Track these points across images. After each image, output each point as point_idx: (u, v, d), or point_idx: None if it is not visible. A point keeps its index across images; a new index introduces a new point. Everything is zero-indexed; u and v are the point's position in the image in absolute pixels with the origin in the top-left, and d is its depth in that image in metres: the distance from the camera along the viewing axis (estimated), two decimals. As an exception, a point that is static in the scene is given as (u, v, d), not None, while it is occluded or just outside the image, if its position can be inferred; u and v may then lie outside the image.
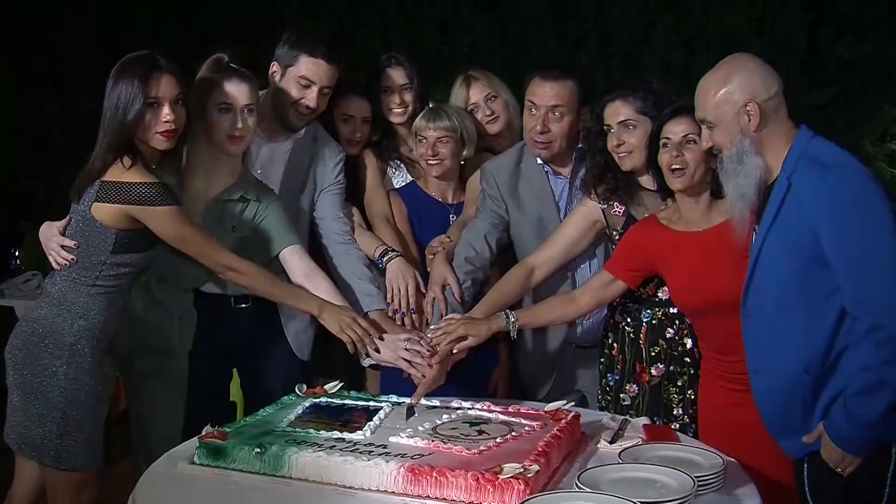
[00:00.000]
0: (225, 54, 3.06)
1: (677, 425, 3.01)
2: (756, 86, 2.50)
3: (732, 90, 2.51)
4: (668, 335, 3.05)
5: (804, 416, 2.49)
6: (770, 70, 2.56)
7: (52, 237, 2.82)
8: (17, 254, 5.55)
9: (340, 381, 2.99)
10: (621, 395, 3.14)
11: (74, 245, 2.77)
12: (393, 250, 3.35)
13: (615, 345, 3.17)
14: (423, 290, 3.26)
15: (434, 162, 3.46)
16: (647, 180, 3.07)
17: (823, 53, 6.48)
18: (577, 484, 2.15)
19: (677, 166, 2.80)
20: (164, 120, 2.76)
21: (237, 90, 2.98)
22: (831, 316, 2.41)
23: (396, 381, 3.08)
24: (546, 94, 3.22)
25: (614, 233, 3.14)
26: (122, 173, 2.71)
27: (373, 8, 6.84)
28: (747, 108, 2.49)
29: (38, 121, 6.72)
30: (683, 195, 2.87)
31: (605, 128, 3.06)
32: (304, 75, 3.24)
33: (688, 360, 3.03)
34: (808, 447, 2.51)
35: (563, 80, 3.23)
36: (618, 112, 3.02)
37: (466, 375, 3.16)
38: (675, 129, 2.82)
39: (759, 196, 2.53)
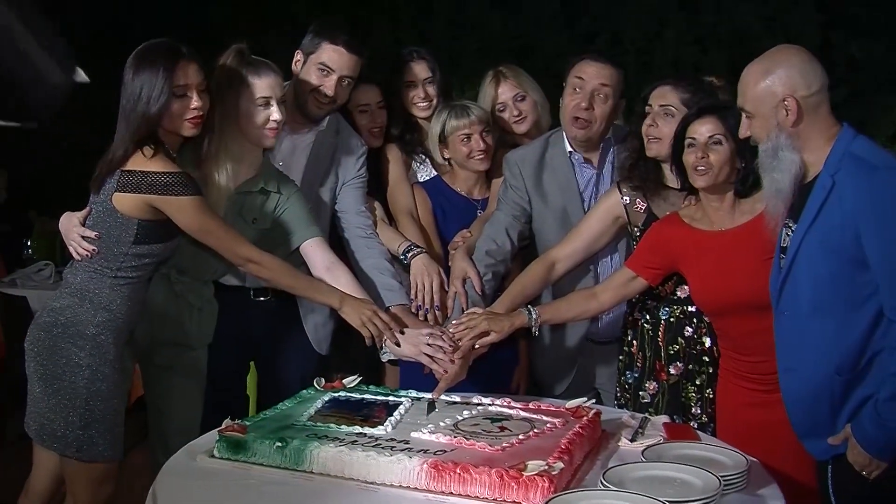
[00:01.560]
0: (244, 45, 3.04)
1: (696, 424, 3.01)
2: (796, 81, 2.47)
3: (773, 83, 2.48)
4: (686, 333, 3.04)
5: (832, 418, 2.48)
6: (815, 66, 2.53)
7: (73, 228, 2.80)
8: (28, 244, 5.55)
9: (359, 376, 2.97)
10: (640, 393, 3.13)
11: (95, 236, 2.76)
12: (417, 246, 3.34)
13: (634, 342, 3.15)
14: (447, 287, 3.25)
15: (482, 155, 3.45)
16: (672, 178, 3.06)
17: (835, 53, 6.48)
18: (602, 482, 2.13)
19: (702, 167, 2.79)
20: (193, 107, 2.75)
21: (274, 83, 2.98)
22: (866, 318, 2.39)
23: (416, 376, 3.06)
24: (595, 73, 3.21)
25: (635, 229, 3.13)
26: (143, 163, 2.69)
27: (383, 3, 6.83)
28: (785, 102, 2.46)
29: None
30: (707, 193, 2.86)
31: (646, 109, 3.06)
32: (324, 62, 3.25)
33: (706, 358, 3.02)
34: (833, 449, 2.49)
35: (612, 65, 3.24)
36: (663, 95, 3.02)
37: (485, 371, 3.14)
38: (701, 130, 2.80)
39: (794, 193, 2.51)
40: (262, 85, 2.96)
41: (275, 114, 2.97)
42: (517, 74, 3.68)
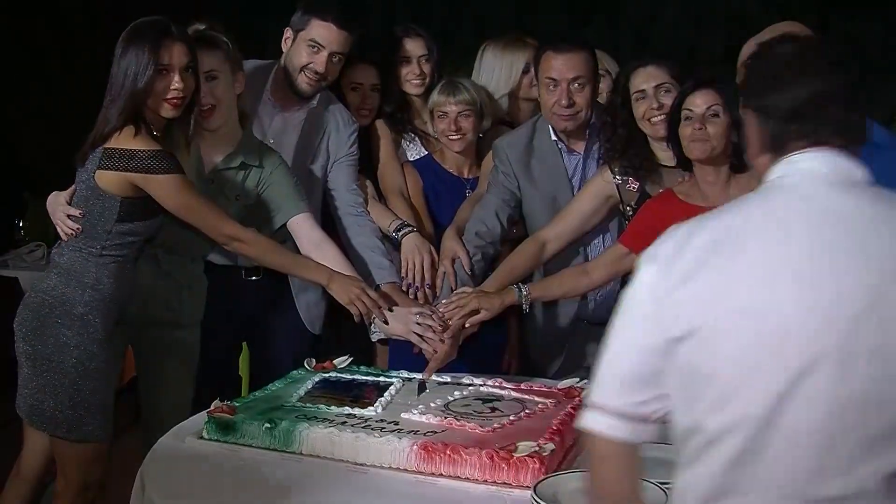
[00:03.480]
0: (203, 24, 3.01)
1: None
2: None
3: None
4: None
5: None
6: None
7: (59, 206, 2.79)
8: (21, 225, 5.52)
9: (350, 356, 2.96)
10: (632, 372, 3.11)
11: (80, 214, 2.74)
12: (408, 225, 3.32)
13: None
14: (437, 267, 3.24)
15: (456, 137, 3.42)
16: (665, 157, 3.04)
17: (833, 33, 6.44)
18: (593, 463, 2.12)
19: (699, 138, 2.77)
20: (174, 87, 2.72)
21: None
22: None
23: (405, 356, 3.06)
24: (564, 66, 3.16)
25: (628, 208, 3.11)
26: (125, 141, 2.67)
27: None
28: None
29: (41, 92, 6.68)
30: (702, 166, 2.84)
31: (635, 94, 3.02)
32: (313, 38, 3.22)
33: None
34: None
35: (577, 51, 3.18)
36: (653, 76, 3.00)
37: (475, 351, 3.13)
38: (698, 102, 2.78)
39: None
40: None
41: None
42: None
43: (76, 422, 2.73)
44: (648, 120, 3.01)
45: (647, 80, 3.01)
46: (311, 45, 3.22)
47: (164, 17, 2.77)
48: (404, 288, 3.19)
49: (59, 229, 2.80)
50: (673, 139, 2.87)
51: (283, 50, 3.31)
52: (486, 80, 3.65)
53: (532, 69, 3.43)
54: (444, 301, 3.03)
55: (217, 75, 2.98)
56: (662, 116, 2.97)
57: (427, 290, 3.22)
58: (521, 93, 3.67)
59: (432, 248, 3.28)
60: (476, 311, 2.94)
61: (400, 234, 3.30)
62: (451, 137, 3.43)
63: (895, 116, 6.15)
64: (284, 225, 3.07)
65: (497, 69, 3.65)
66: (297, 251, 3.05)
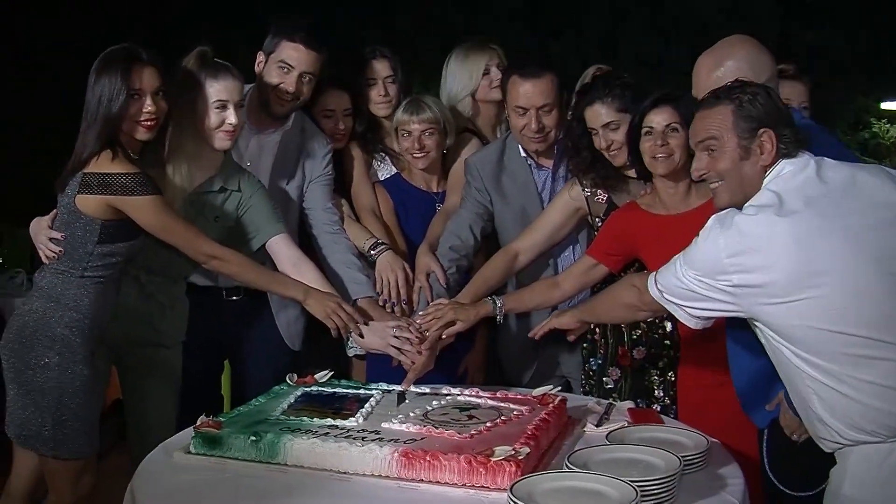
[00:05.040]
0: (207, 48, 3.09)
1: (658, 407, 3.08)
2: (745, 72, 2.55)
3: (724, 74, 2.56)
4: (647, 318, 3.11)
5: (770, 387, 2.54)
6: (763, 56, 2.63)
7: (41, 231, 2.85)
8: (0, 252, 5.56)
9: (331, 371, 3.02)
10: (604, 379, 3.21)
11: (61, 237, 2.80)
12: (382, 243, 3.39)
13: (597, 329, 3.23)
14: (412, 282, 3.31)
15: (420, 155, 3.49)
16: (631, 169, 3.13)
17: (795, 42, 6.57)
18: (567, 464, 2.20)
19: (662, 154, 2.86)
20: (146, 111, 2.79)
21: (231, 86, 3.01)
22: None
23: (382, 369, 3.13)
24: (532, 94, 3.25)
25: (596, 219, 3.20)
26: (104, 165, 2.74)
27: (347, 1, 6.87)
28: None
29: (8, 122, 6.69)
30: (664, 179, 2.93)
31: (590, 129, 3.11)
32: (283, 60, 3.29)
33: (668, 342, 3.10)
34: (770, 415, 2.57)
35: (543, 76, 3.27)
36: (598, 115, 3.07)
37: (447, 361, 3.20)
38: (658, 119, 2.88)
39: None
40: (219, 88, 3.00)
41: (231, 117, 3.01)
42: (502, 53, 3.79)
43: (62, 440, 2.78)
44: (606, 150, 3.10)
45: (595, 119, 3.08)
46: (282, 66, 3.29)
47: (132, 43, 2.84)
48: (380, 303, 3.25)
49: (41, 252, 2.86)
50: (634, 153, 2.96)
51: (257, 73, 3.37)
52: (450, 83, 3.76)
53: (490, 70, 3.63)
54: (420, 313, 3.11)
55: (243, 103, 3.08)
56: (616, 151, 3.06)
57: (403, 305, 3.29)
58: (479, 94, 3.76)
59: (405, 265, 3.35)
60: (452, 323, 3.02)
61: (374, 251, 3.37)
62: (414, 155, 3.50)
63: (858, 123, 6.28)
64: (263, 246, 3.13)
65: (459, 72, 3.76)
66: (276, 271, 3.11)
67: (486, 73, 3.73)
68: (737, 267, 2.21)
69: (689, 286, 2.31)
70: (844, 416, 2.21)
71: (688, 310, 2.37)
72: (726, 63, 2.59)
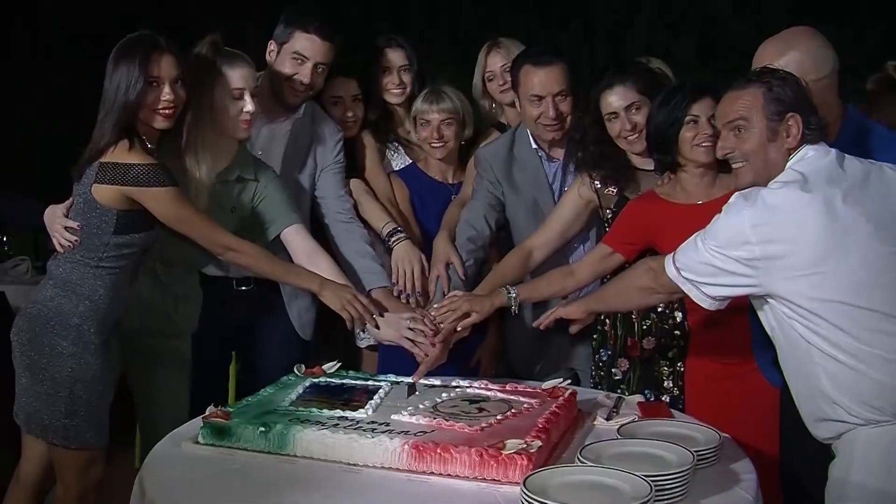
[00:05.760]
0: (218, 36, 3.06)
1: (667, 398, 3.07)
2: (807, 65, 2.55)
3: (786, 63, 2.54)
4: (658, 308, 3.09)
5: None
6: (827, 51, 2.63)
7: (56, 219, 2.83)
8: (5, 239, 5.53)
9: (339, 362, 3.01)
10: (613, 370, 3.20)
11: (77, 226, 2.79)
12: (401, 231, 3.39)
13: (607, 320, 3.21)
14: (428, 273, 3.31)
15: (438, 144, 3.49)
16: (640, 161, 3.11)
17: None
18: (579, 458, 2.19)
19: (708, 143, 2.82)
20: (164, 99, 2.77)
21: (247, 74, 3.01)
22: None
23: (394, 360, 3.11)
24: (547, 81, 3.24)
25: (607, 212, 3.19)
26: (121, 155, 2.72)
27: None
28: None
29: (17, 104, 6.67)
30: (695, 168, 2.91)
31: (607, 115, 3.09)
32: (297, 51, 3.28)
33: (678, 332, 3.08)
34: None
35: (556, 63, 3.26)
36: (623, 96, 3.06)
37: (458, 353, 3.18)
38: (703, 109, 2.84)
39: None
40: (236, 77, 2.99)
41: (248, 105, 3.00)
42: (510, 46, 3.76)
43: (72, 430, 2.78)
44: (625, 138, 3.08)
45: (617, 100, 3.07)
46: (296, 57, 3.28)
47: (152, 31, 2.83)
48: (395, 294, 3.25)
49: (55, 241, 2.84)
50: (662, 143, 2.92)
51: (268, 62, 3.36)
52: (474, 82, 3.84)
53: (496, 75, 3.68)
54: (435, 305, 3.09)
55: (256, 91, 3.07)
56: (637, 135, 3.05)
57: (418, 296, 3.29)
58: (497, 98, 3.81)
59: (422, 256, 3.34)
60: (467, 315, 3.00)
61: (392, 240, 3.36)
62: (433, 145, 3.50)
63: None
64: (278, 236, 3.12)
65: (476, 74, 3.83)
66: (291, 261, 3.10)
67: (492, 79, 3.74)
68: (761, 237, 2.25)
69: (709, 260, 2.34)
70: (853, 392, 2.24)
71: (703, 287, 2.38)
72: (791, 52, 2.58)
